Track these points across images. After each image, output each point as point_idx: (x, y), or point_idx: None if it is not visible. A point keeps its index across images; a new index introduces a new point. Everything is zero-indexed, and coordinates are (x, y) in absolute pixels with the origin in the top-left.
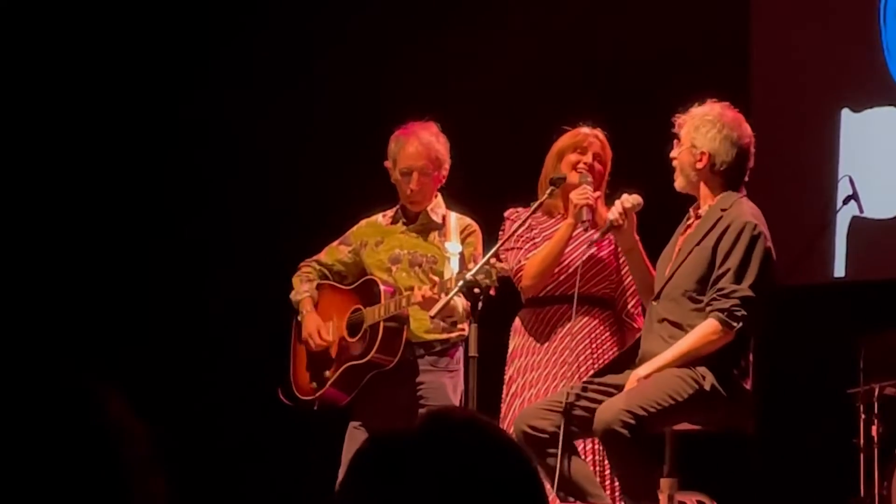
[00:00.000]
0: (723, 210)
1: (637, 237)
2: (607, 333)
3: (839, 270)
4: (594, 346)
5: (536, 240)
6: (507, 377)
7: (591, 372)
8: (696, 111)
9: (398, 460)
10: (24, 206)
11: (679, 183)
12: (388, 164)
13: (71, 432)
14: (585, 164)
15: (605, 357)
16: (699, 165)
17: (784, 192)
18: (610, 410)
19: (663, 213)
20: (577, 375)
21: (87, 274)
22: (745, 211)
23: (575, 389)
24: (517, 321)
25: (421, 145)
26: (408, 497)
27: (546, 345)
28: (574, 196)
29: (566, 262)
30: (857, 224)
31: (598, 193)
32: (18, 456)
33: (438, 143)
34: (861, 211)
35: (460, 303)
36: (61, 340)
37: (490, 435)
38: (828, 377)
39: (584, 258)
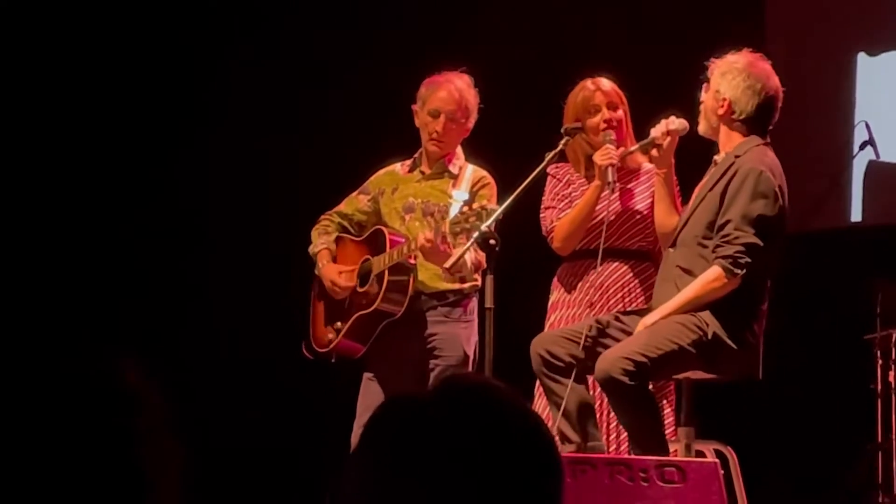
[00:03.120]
0: (737, 156)
1: (673, 161)
2: (642, 287)
3: (856, 215)
4: (627, 299)
5: (575, 195)
6: (545, 328)
7: None
8: (728, 58)
9: (412, 425)
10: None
11: (701, 127)
12: (415, 106)
13: (89, 401)
14: (605, 121)
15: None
16: (720, 111)
17: (800, 137)
18: (608, 359)
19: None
20: None
21: (103, 229)
22: (756, 157)
23: (594, 323)
24: (557, 275)
25: (455, 90)
26: (422, 462)
27: (579, 298)
28: (597, 158)
29: (599, 216)
30: (874, 169)
31: (621, 150)
32: (37, 425)
33: (469, 93)
34: (877, 156)
35: (468, 258)
36: (79, 308)
37: (504, 400)
38: (845, 323)
39: (619, 211)
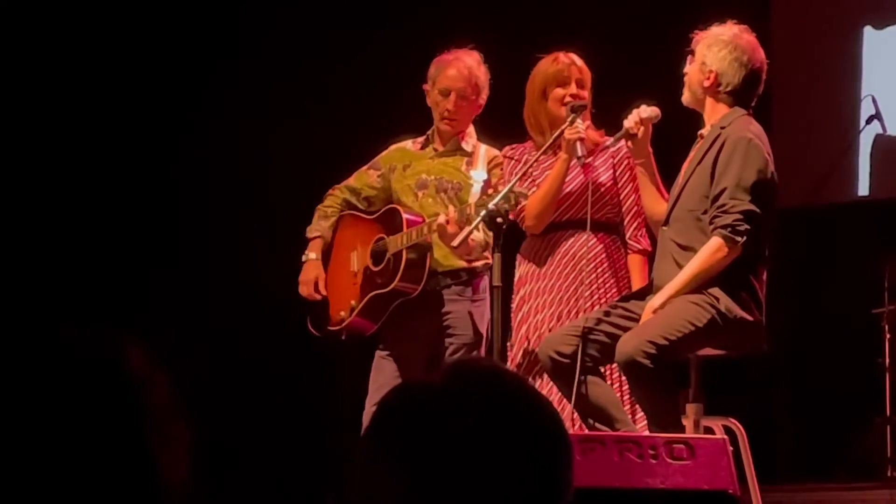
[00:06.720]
0: (722, 128)
1: (650, 150)
2: (612, 257)
3: (863, 189)
4: (598, 270)
5: (536, 176)
6: (514, 305)
7: (595, 296)
8: (714, 30)
9: (421, 413)
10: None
11: (685, 97)
12: (426, 86)
13: (94, 382)
14: (572, 96)
15: (609, 281)
16: (706, 83)
17: (807, 111)
18: (630, 342)
19: (672, 134)
20: (580, 299)
21: (113, 204)
22: (742, 126)
23: (597, 314)
24: (521, 249)
25: (464, 68)
26: (431, 449)
27: (550, 270)
28: (567, 132)
29: (566, 190)
30: (881, 143)
31: (587, 123)
32: (43, 408)
33: (479, 70)
34: (884, 130)
35: (480, 237)
36: (85, 285)
37: (512, 385)
38: (852, 297)
39: (582, 184)
